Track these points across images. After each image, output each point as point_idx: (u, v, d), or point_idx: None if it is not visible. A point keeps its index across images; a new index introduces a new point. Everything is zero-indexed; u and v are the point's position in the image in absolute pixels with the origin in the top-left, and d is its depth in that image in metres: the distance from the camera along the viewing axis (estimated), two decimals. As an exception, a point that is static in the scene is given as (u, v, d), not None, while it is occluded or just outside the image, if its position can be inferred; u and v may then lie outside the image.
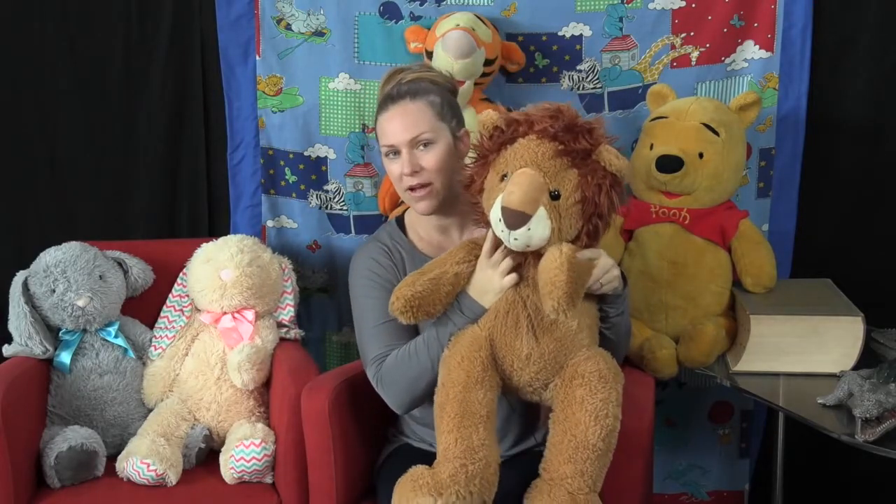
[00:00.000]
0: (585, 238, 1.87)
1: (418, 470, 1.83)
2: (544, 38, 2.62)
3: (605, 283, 1.92)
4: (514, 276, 1.90)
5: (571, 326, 1.89)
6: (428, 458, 1.92)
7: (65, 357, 2.41)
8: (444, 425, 1.86)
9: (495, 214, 1.81)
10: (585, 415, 1.83)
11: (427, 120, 2.04)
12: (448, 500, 1.78)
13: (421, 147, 2.04)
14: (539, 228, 1.80)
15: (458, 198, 2.06)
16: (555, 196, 1.81)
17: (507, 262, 1.90)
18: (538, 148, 1.82)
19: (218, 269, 2.46)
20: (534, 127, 1.84)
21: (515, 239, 1.81)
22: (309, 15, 2.67)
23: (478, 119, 1.92)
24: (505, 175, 1.84)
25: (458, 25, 2.47)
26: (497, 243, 1.90)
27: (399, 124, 2.04)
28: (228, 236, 2.56)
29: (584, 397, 1.84)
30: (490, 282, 1.92)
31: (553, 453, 1.86)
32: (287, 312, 2.54)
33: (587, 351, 1.91)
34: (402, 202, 2.58)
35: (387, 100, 2.08)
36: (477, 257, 1.95)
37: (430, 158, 2.04)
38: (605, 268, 1.90)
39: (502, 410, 2.05)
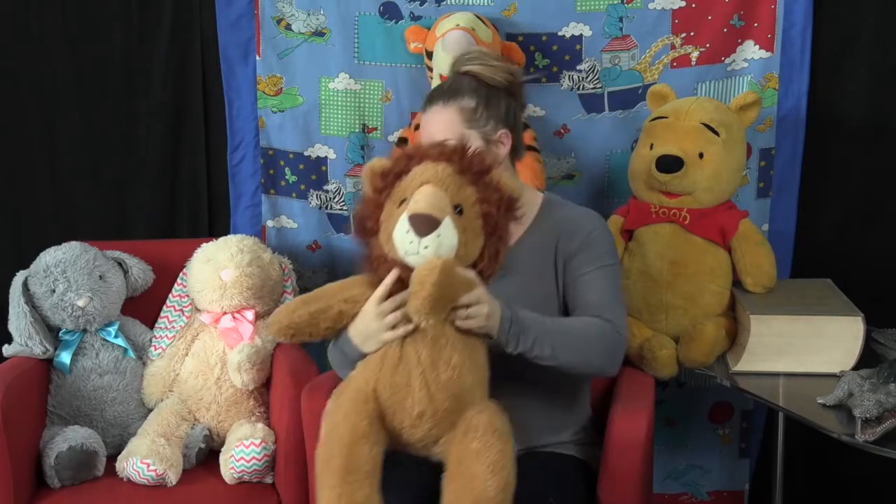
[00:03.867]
0: (487, 259, 1.84)
1: None
2: (544, 38, 2.62)
3: (473, 316, 1.83)
4: (395, 332, 1.82)
5: (467, 382, 1.84)
6: (421, 458, 1.92)
7: (65, 357, 2.41)
8: (327, 481, 1.78)
9: (402, 229, 1.76)
10: (482, 467, 1.78)
11: (454, 128, 2.03)
12: None
13: None
14: (448, 235, 1.76)
15: None
16: (458, 211, 1.78)
17: (394, 316, 1.82)
18: (436, 168, 1.80)
19: (218, 269, 2.46)
20: (427, 155, 1.83)
21: (426, 247, 1.74)
22: (309, 15, 2.67)
23: (365, 169, 1.89)
24: (404, 200, 1.79)
25: (458, 25, 2.47)
26: (392, 291, 1.83)
27: (428, 130, 2.06)
28: (228, 236, 2.57)
29: (479, 450, 1.79)
30: (372, 330, 1.85)
31: None
32: (287, 312, 2.54)
33: (480, 405, 1.86)
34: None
35: (426, 100, 2.10)
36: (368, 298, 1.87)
37: None
38: (475, 297, 1.82)
39: (522, 408, 2.04)
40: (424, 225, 1.74)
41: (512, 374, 2.01)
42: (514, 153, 2.09)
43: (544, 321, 1.95)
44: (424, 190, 1.78)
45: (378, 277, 1.85)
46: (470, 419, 1.83)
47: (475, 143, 2.01)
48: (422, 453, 1.89)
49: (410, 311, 1.78)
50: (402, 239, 1.76)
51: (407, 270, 1.79)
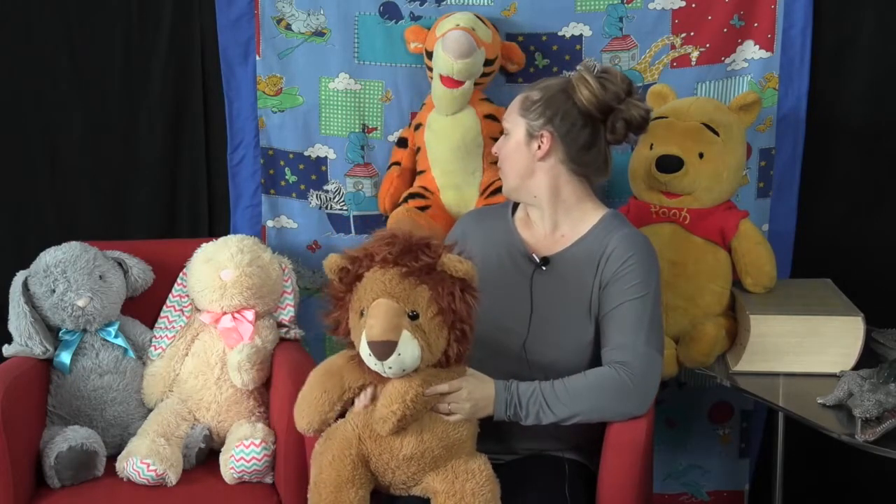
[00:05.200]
0: (456, 345, 1.91)
1: None
2: (544, 38, 2.62)
3: (455, 411, 1.94)
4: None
5: (462, 434, 1.95)
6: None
7: (65, 357, 2.41)
8: None
9: (364, 351, 1.85)
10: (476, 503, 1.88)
11: (512, 111, 2.14)
12: None
13: (505, 135, 2.16)
14: (408, 351, 1.84)
15: (533, 195, 2.12)
16: (413, 316, 1.85)
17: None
18: (384, 277, 1.86)
19: (218, 269, 2.46)
20: (374, 259, 1.88)
21: (390, 367, 1.84)
22: (309, 15, 2.67)
23: (324, 266, 1.96)
24: (363, 311, 1.87)
25: (458, 25, 2.47)
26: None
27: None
28: (228, 236, 2.56)
29: (475, 490, 1.89)
30: None
31: None
32: (287, 312, 2.54)
33: (471, 453, 1.97)
34: (402, 201, 2.59)
35: None
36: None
37: (502, 146, 2.15)
38: (456, 398, 1.94)
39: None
40: (382, 351, 1.84)
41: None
42: (574, 164, 2.09)
43: (544, 391, 2.00)
44: (377, 309, 1.85)
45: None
46: (465, 462, 1.93)
47: (520, 130, 2.10)
48: (399, 492, 1.97)
49: (374, 421, 1.89)
50: (367, 360, 1.86)
51: (381, 378, 1.90)
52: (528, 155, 2.10)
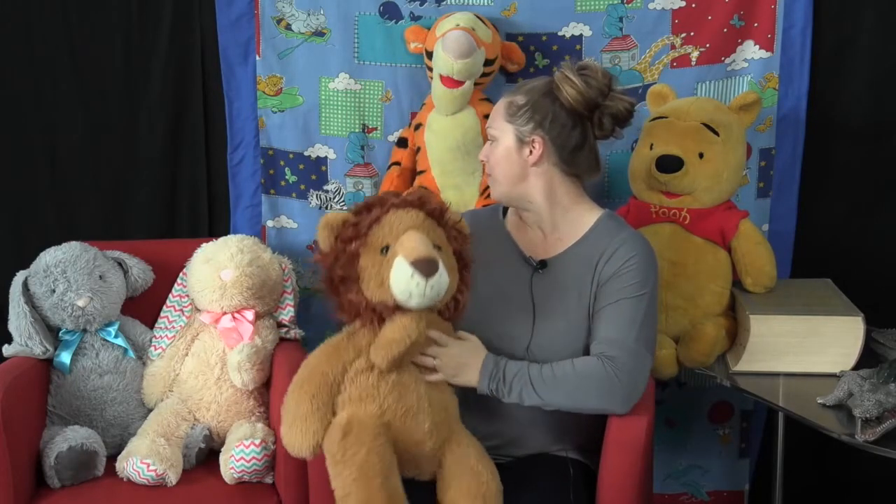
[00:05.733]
0: (464, 287, 1.99)
1: None
2: (544, 38, 2.62)
3: (438, 368, 1.98)
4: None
5: (448, 396, 2.01)
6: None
7: (65, 357, 2.41)
8: None
9: (404, 273, 1.85)
10: (483, 467, 1.96)
11: (497, 118, 2.12)
12: None
13: (491, 141, 2.14)
14: (444, 275, 1.89)
15: (528, 200, 2.11)
16: (438, 248, 1.92)
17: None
18: (408, 215, 1.93)
19: (218, 269, 2.46)
20: (391, 202, 1.95)
21: (432, 287, 1.86)
22: (309, 15, 2.67)
23: (322, 222, 1.96)
24: (386, 247, 1.89)
25: (458, 25, 2.47)
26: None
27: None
28: (228, 236, 2.56)
29: (479, 456, 1.98)
30: None
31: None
32: (287, 312, 2.54)
33: (461, 427, 2.03)
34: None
35: None
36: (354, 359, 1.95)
37: (491, 154, 2.13)
38: (444, 354, 1.99)
39: (524, 417, 2.07)
40: (428, 267, 1.86)
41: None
42: (567, 166, 2.09)
43: (531, 371, 2.00)
44: (413, 236, 1.89)
45: (362, 324, 1.94)
46: (462, 439, 2.01)
47: (508, 137, 2.08)
48: (424, 470, 1.98)
49: (374, 358, 1.91)
50: (407, 282, 1.86)
51: (399, 311, 1.90)
52: (520, 161, 2.08)
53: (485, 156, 2.16)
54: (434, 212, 1.97)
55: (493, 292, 2.08)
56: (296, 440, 1.91)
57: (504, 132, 2.09)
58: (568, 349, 2.05)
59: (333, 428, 1.90)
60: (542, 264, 2.11)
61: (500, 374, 2.00)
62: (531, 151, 2.07)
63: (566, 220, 2.12)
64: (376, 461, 1.85)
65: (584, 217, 2.12)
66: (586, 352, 2.05)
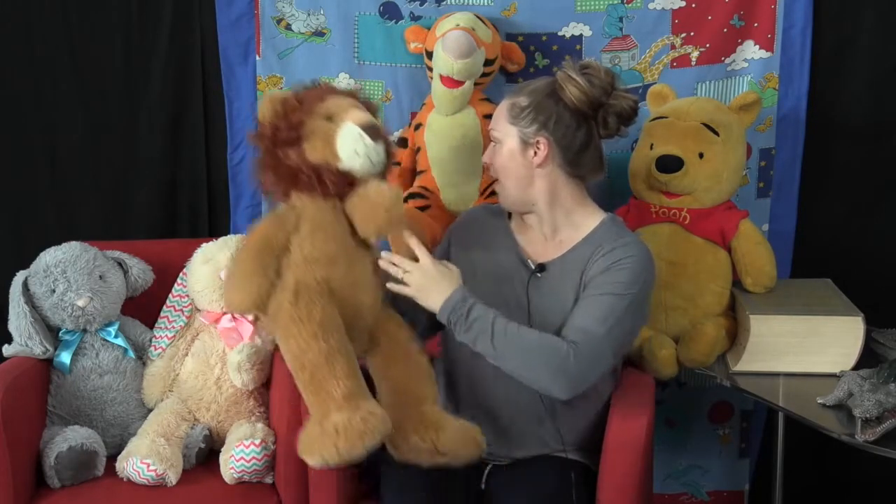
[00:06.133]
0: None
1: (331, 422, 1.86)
2: (544, 38, 2.62)
3: (406, 280, 2.00)
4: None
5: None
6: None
7: (65, 357, 2.41)
8: (341, 370, 1.88)
9: (351, 133, 1.95)
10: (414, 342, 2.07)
11: (500, 120, 2.10)
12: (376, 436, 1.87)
13: (494, 144, 2.12)
14: (382, 147, 2.01)
15: (532, 203, 2.10)
16: None
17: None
18: (348, 98, 2.05)
19: (218, 269, 2.45)
20: (332, 92, 2.06)
21: (377, 153, 1.98)
22: (309, 15, 2.67)
23: (264, 98, 2.07)
24: (331, 116, 1.98)
25: (458, 25, 2.47)
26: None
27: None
28: (228, 236, 2.56)
29: (409, 335, 2.08)
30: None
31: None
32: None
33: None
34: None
35: None
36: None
37: (495, 156, 2.11)
38: (416, 268, 2.01)
39: (534, 413, 2.07)
40: (376, 132, 1.98)
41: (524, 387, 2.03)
42: (572, 167, 2.07)
43: (495, 322, 1.97)
44: (357, 110, 2.00)
45: (299, 189, 1.97)
46: (395, 319, 2.10)
47: (512, 139, 2.07)
48: (354, 347, 1.98)
49: (366, 231, 1.97)
50: (355, 141, 1.95)
51: (340, 176, 1.96)
52: (524, 163, 2.07)
53: (488, 158, 2.14)
54: (366, 103, 2.07)
55: (489, 291, 2.07)
56: (237, 296, 1.96)
57: (507, 134, 2.08)
58: None
59: (284, 291, 1.93)
60: (541, 268, 2.10)
61: (465, 309, 1.97)
62: (536, 153, 2.06)
63: (567, 223, 2.11)
64: (334, 318, 1.92)
65: (586, 220, 2.11)
66: None
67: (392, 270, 2.00)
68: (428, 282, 1.99)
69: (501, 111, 2.10)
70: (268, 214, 2.05)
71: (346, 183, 1.97)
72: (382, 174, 2.04)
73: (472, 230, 2.20)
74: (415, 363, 2.05)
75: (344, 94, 2.06)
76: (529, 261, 2.12)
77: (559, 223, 2.12)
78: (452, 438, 2.01)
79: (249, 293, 1.94)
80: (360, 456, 1.87)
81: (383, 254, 2.03)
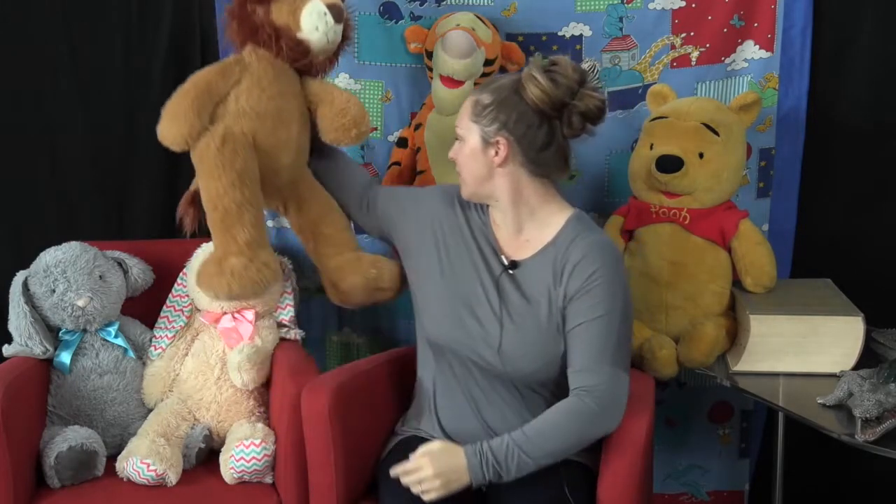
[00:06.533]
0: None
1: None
2: (544, 38, 2.62)
3: (426, 490, 1.95)
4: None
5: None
6: None
7: (65, 357, 2.41)
8: (248, 219, 2.12)
9: (318, 9, 2.15)
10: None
11: (463, 117, 2.10)
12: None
13: (459, 140, 2.12)
14: (340, 31, 2.22)
15: (495, 199, 2.10)
16: None
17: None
18: None
19: (218, 269, 2.45)
20: None
21: (335, 33, 2.20)
22: (309, 15, 2.66)
23: None
24: None
25: (458, 25, 2.47)
26: None
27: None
28: (229, 236, 2.56)
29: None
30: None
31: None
32: (287, 312, 2.53)
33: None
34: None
35: None
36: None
37: (458, 152, 2.12)
38: (423, 477, 1.97)
39: (520, 419, 2.07)
40: (339, 14, 2.19)
41: (511, 387, 2.03)
42: (535, 166, 2.06)
43: (517, 441, 1.95)
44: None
45: (255, 44, 2.19)
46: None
47: (474, 137, 2.06)
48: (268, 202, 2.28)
49: (331, 138, 2.24)
50: (319, 17, 2.16)
51: (296, 44, 2.18)
52: (485, 161, 2.06)
53: (453, 154, 2.14)
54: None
55: (463, 281, 2.09)
56: (170, 130, 2.14)
57: (470, 132, 2.07)
58: (540, 358, 2.04)
59: (213, 135, 2.11)
60: (513, 265, 2.10)
61: (490, 459, 1.94)
62: (496, 152, 2.05)
63: (533, 222, 2.10)
64: (253, 171, 2.13)
65: (552, 218, 2.09)
66: (557, 362, 2.04)
67: (414, 490, 1.96)
68: (443, 474, 1.94)
69: (466, 108, 2.09)
70: (217, 62, 2.25)
71: (300, 51, 2.19)
72: (336, 52, 2.27)
73: (464, 208, 2.19)
74: (339, 214, 2.33)
75: None
76: (503, 256, 2.11)
77: (523, 222, 2.10)
78: (392, 272, 2.30)
79: (180, 129, 2.12)
80: (245, 298, 2.26)
81: (392, 471, 2.00)
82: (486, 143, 2.05)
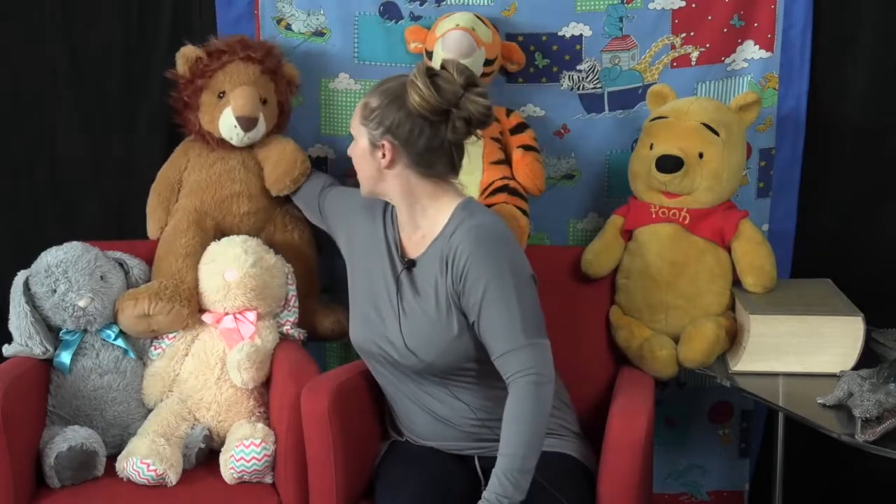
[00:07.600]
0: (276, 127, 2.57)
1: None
2: (544, 38, 2.62)
3: None
4: None
5: None
6: (422, 453, 2.01)
7: (65, 357, 2.41)
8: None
9: (228, 122, 2.48)
10: None
11: (355, 118, 2.12)
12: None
13: (353, 140, 2.15)
14: (261, 128, 2.50)
15: (389, 198, 2.14)
16: (264, 102, 2.51)
17: None
18: (247, 69, 2.50)
19: (221, 269, 2.45)
20: (238, 54, 2.49)
21: (249, 137, 2.50)
22: (309, 15, 2.67)
23: (180, 52, 2.51)
24: (223, 92, 2.48)
25: (458, 25, 2.47)
26: None
27: None
28: (232, 237, 2.55)
29: None
30: None
31: None
32: (290, 314, 2.54)
33: None
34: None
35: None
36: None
37: (352, 153, 2.15)
38: None
39: (460, 417, 2.09)
40: (248, 124, 2.47)
41: (435, 379, 2.07)
42: (423, 168, 2.07)
43: (501, 465, 1.94)
44: (243, 92, 2.47)
45: (195, 138, 2.58)
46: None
47: (363, 139, 2.09)
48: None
49: (273, 187, 2.53)
50: (230, 129, 2.49)
51: (221, 141, 2.53)
52: (374, 163, 2.08)
53: (349, 153, 2.16)
54: (272, 67, 2.52)
55: (373, 283, 2.14)
56: (149, 227, 2.59)
57: (360, 134, 2.10)
58: (439, 346, 2.05)
59: (174, 214, 2.55)
60: (411, 263, 2.11)
61: (506, 497, 1.93)
62: (383, 155, 2.07)
63: (426, 218, 2.12)
64: (203, 243, 2.51)
65: (442, 210, 2.10)
66: (457, 343, 2.04)
67: None
68: None
69: (357, 109, 2.12)
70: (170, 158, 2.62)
71: (225, 145, 2.54)
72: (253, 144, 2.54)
73: (376, 210, 2.22)
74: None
75: (247, 61, 2.49)
76: (402, 255, 2.14)
77: (418, 218, 2.12)
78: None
79: (152, 224, 2.58)
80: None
81: None
82: (374, 145, 2.08)
